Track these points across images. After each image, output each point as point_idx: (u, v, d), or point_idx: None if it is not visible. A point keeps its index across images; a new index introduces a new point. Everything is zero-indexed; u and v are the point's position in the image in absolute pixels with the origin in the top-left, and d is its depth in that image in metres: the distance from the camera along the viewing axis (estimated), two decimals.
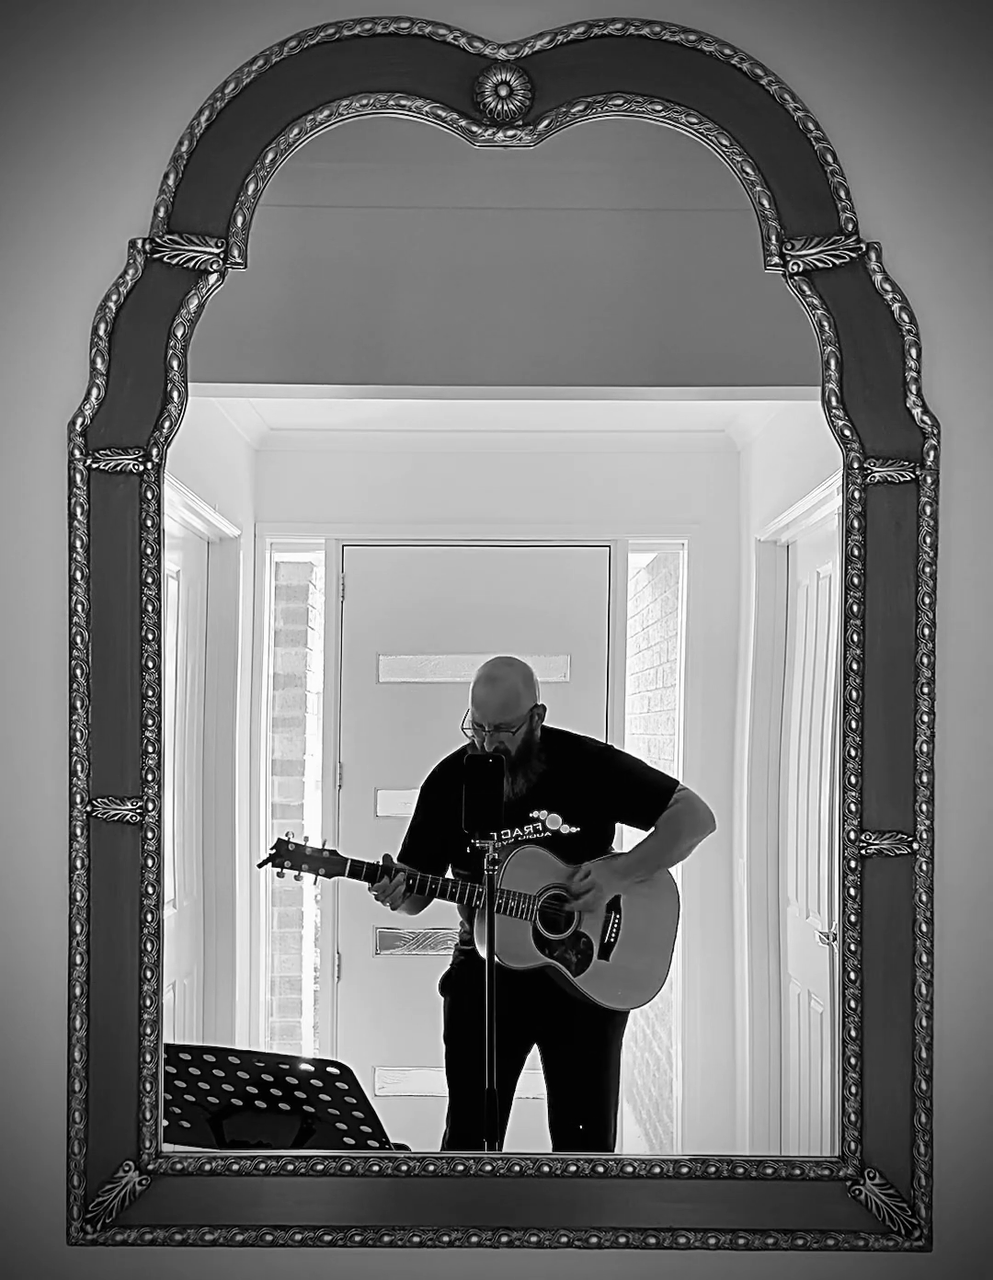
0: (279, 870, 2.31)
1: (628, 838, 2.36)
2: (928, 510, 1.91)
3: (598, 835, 2.33)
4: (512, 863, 2.27)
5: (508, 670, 2.33)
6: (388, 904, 2.29)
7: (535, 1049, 2.31)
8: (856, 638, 1.92)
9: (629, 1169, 1.94)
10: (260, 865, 2.33)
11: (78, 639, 1.91)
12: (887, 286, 1.90)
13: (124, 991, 1.92)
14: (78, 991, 1.92)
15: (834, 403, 1.91)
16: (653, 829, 2.33)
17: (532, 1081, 2.31)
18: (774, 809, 2.36)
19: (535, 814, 2.30)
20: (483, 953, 2.25)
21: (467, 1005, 2.25)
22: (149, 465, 1.91)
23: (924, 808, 1.91)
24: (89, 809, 1.92)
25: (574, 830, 2.30)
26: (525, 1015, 2.28)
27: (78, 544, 1.91)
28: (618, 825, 2.36)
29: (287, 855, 2.31)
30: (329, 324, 2.19)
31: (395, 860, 2.29)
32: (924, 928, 1.91)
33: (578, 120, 1.91)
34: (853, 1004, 1.92)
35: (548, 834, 2.30)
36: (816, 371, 1.92)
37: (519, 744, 2.31)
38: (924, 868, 1.91)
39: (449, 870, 2.31)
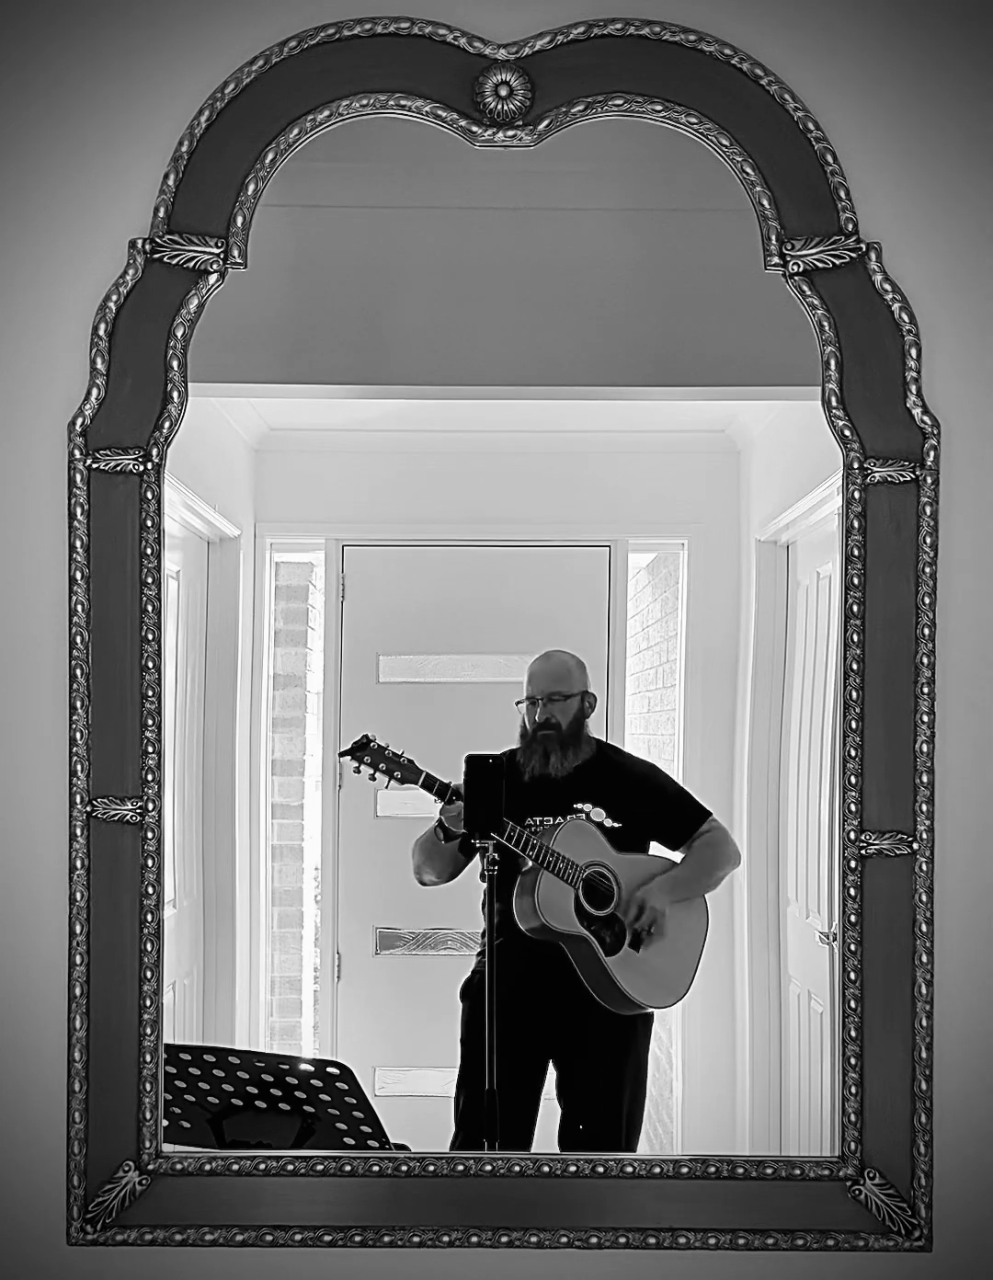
0: (357, 766, 2.33)
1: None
2: (928, 510, 1.91)
3: (636, 836, 2.35)
4: (565, 830, 2.30)
5: (562, 652, 2.38)
6: (453, 826, 2.30)
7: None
8: (856, 638, 1.92)
9: (629, 1169, 1.94)
10: (342, 755, 2.34)
11: (78, 639, 1.91)
12: (887, 286, 1.90)
13: (124, 991, 1.92)
14: (78, 991, 1.92)
15: (834, 403, 1.91)
16: (686, 855, 2.36)
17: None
18: (774, 809, 2.36)
19: (579, 806, 2.32)
20: (522, 926, 2.27)
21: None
22: (149, 465, 1.91)
23: (924, 808, 1.91)
24: (89, 809, 1.92)
25: (616, 825, 2.32)
26: (544, 1027, 2.30)
27: (78, 544, 1.91)
28: None
29: (367, 752, 2.33)
30: (329, 324, 2.19)
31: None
32: (924, 928, 1.91)
33: (578, 120, 1.91)
34: (853, 1004, 1.92)
35: (592, 823, 2.32)
36: (816, 371, 1.92)
37: (570, 719, 2.35)
38: (924, 868, 1.91)
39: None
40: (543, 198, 2.13)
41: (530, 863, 2.29)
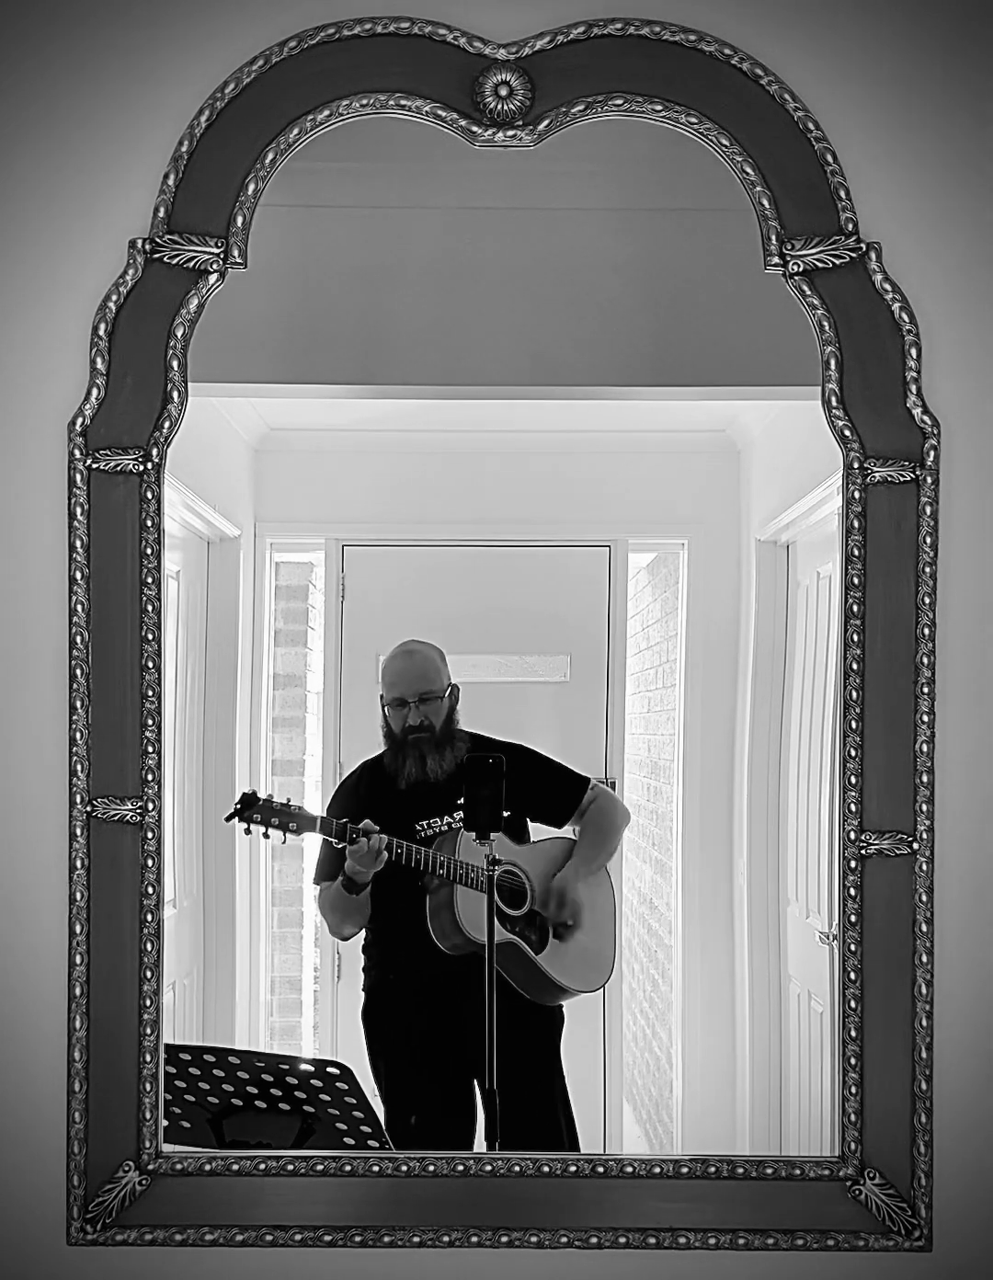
0: (247, 827, 2.24)
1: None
2: (928, 510, 1.91)
3: (520, 823, 2.35)
4: (466, 838, 2.27)
5: (422, 645, 2.34)
6: (361, 867, 2.25)
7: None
8: (856, 638, 1.92)
9: (629, 1169, 1.94)
10: (227, 820, 2.25)
11: (78, 639, 1.91)
12: (887, 286, 1.90)
13: (124, 991, 1.92)
14: (78, 991, 1.92)
15: (834, 403, 1.91)
16: (581, 830, 2.36)
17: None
18: (774, 809, 2.36)
19: (462, 803, 2.29)
20: (443, 945, 2.25)
21: (395, 1031, 2.26)
22: (149, 465, 1.91)
23: (924, 808, 1.91)
24: (89, 809, 1.92)
25: (506, 814, 2.29)
26: (463, 1050, 2.22)
27: (78, 544, 1.91)
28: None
29: (256, 810, 2.24)
30: (329, 324, 2.19)
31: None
32: (924, 928, 1.91)
33: (578, 120, 1.91)
34: (853, 1004, 1.92)
35: None
36: (816, 371, 1.92)
37: (443, 719, 2.32)
38: (924, 868, 1.91)
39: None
40: (542, 198, 2.13)
41: (439, 880, 2.26)
